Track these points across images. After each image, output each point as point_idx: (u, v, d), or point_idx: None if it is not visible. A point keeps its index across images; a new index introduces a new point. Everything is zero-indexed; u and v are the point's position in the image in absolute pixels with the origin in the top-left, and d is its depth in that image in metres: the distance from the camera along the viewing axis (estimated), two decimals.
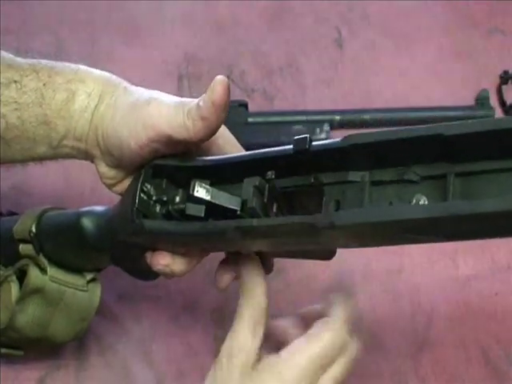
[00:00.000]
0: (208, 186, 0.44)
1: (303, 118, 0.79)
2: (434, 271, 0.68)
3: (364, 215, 0.37)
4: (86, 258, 0.57)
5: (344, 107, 0.82)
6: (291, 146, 0.43)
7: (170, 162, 0.48)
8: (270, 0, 0.92)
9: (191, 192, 0.44)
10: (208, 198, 0.44)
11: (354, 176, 0.42)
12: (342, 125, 0.80)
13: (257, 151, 0.45)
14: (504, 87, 0.82)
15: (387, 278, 0.69)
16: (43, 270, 0.57)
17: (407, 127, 0.39)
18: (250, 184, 0.43)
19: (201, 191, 0.44)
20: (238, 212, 0.43)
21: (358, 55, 0.88)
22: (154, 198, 0.48)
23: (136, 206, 0.47)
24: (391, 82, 0.85)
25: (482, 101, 0.80)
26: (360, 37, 0.89)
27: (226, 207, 0.44)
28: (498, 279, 0.69)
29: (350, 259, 0.69)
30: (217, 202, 0.44)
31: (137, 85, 0.52)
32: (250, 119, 0.80)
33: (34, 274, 0.57)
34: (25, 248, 0.57)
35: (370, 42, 0.89)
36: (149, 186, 0.48)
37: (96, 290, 0.60)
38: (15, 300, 0.57)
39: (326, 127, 0.79)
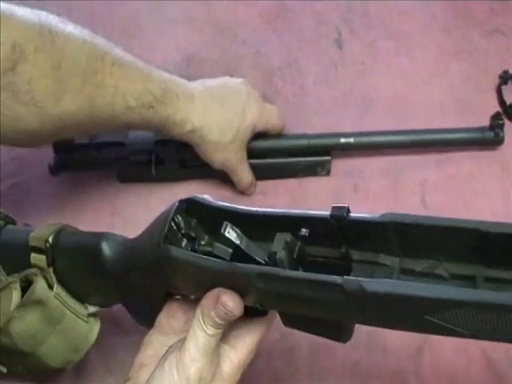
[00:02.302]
0: (239, 232, 0.44)
1: (304, 142, 0.76)
2: None
3: (394, 286, 0.37)
4: (96, 284, 0.56)
5: (344, 107, 0.82)
6: (328, 212, 0.42)
7: (206, 201, 0.48)
8: (270, 0, 0.92)
9: (222, 231, 0.43)
10: (237, 242, 0.43)
11: (385, 259, 0.42)
12: (345, 147, 0.76)
13: (292, 210, 0.45)
14: (504, 87, 0.82)
15: None
16: (50, 285, 0.56)
17: (448, 218, 0.39)
18: (281, 238, 0.42)
19: (232, 233, 0.43)
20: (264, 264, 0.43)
21: (358, 55, 0.88)
22: (182, 231, 0.48)
23: (165, 231, 0.47)
24: (391, 81, 0.85)
25: (494, 127, 0.75)
26: (360, 37, 0.89)
27: (253, 257, 0.43)
28: None
29: None
30: (245, 250, 0.43)
31: None
32: None
33: (40, 284, 0.56)
34: (36, 258, 0.56)
35: (370, 42, 0.89)
36: (180, 218, 0.48)
37: (95, 326, 0.59)
38: (15, 306, 0.56)
39: (327, 166, 0.76)
